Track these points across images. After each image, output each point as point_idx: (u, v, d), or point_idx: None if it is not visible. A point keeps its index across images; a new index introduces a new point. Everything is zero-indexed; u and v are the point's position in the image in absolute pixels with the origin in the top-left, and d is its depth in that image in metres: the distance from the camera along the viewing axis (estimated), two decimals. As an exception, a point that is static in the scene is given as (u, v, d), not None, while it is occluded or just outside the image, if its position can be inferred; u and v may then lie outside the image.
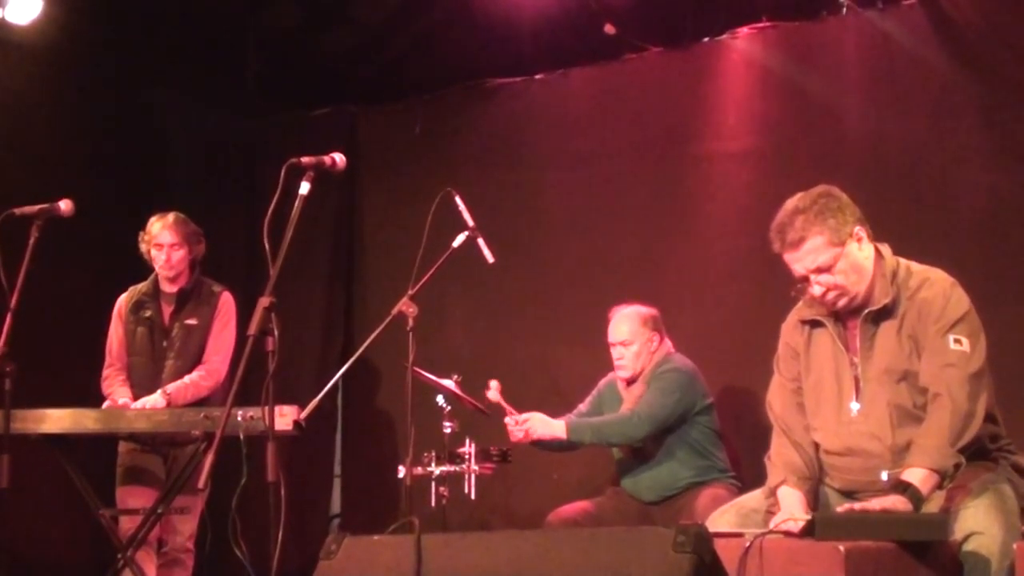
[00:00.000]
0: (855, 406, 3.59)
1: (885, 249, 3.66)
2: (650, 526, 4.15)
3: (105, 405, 5.20)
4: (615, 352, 5.24)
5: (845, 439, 3.61)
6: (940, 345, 3.47)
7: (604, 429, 5.08)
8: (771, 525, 3.35)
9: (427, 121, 6.90)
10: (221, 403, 5.08)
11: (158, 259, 5.39)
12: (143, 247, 5.43)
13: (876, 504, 3.28)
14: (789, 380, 3.77)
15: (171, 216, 5.42)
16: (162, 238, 5.36)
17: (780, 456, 3.69)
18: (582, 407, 5.36)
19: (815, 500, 3.64)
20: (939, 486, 3.37)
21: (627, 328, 5.21)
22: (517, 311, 6.49)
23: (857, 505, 3.34)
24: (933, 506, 3.37)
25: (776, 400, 3.80)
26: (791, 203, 3.61)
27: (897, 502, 3.27)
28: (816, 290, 3.57)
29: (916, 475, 3.33)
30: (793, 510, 3.47)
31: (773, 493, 3.64)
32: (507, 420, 5.06)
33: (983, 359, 3.48)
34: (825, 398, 3.66)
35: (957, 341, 3.46)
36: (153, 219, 5.44)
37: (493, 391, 5.13)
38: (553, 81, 6.57)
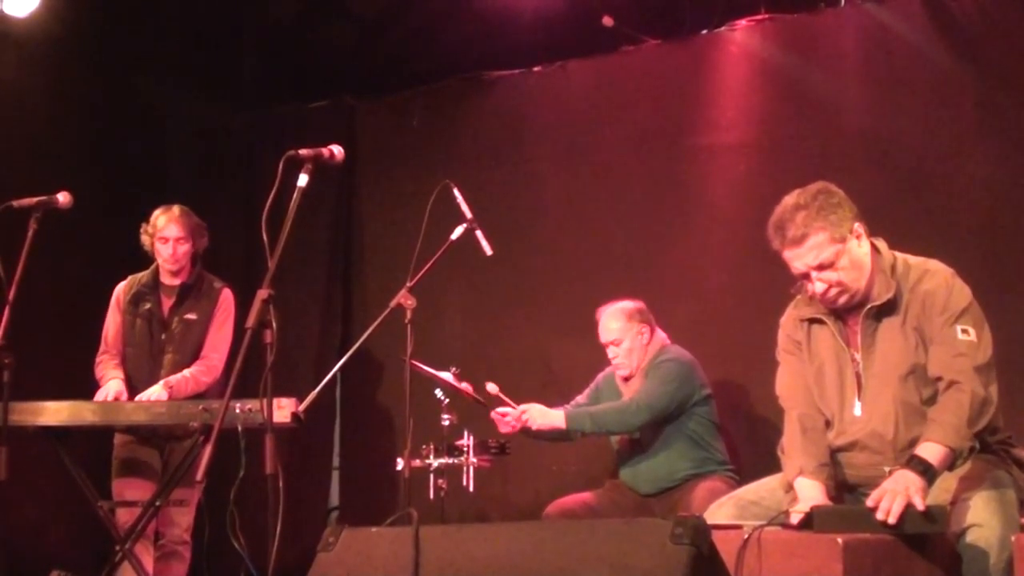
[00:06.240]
0: (859, 404, 3.57)
1: (881, 244, 3.63)
2: (648, 518, 4.15)
3: (99, 394, 5.16)
4: (609, 352, 5.25)
5: (849, 435, 3.59)
6: (948, 335, 3.46)
7: (602, 417, 5.08)
8: (792, 519, 3.25)
9: (425, 113, 6.90)
10: (219, 397, 5.06)
11: (162, 253, 5.33)
12: (145, 239, 5.37)
13: (893, 487, 3.19)
14: (795, 366, 3.72)
15: (176, 209, 5.36)
16: (168, 232, 5.30)
17: (794, 445, 3.60)
18: (580, 399, 5.37)
19: (835, 488, 3.55)
20: (951, 467, 3.35)
21: (615, 325, 5.22)
22: (515, 303, 6.49)
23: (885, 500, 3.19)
24: (944, 497, 3.35)
25: (785, 386, 3.75)
26: (790, 200, 3.56)
27: (913, 484, 3.20)
28: (818, 287, 3.53)
29: (934, 452, 3.30)
30: (814, 503, 3.36)
31: (790, 487, 3.55)
32: (493, 415, 5.07)
33: (991, 349, 3.48)
34: (828, 393, 3.65)
35: (964, 331, 3.45)
36: (157, 212, 5.37)
37: (492, 388, 5.14)
38: (551, 73, 6.57)
